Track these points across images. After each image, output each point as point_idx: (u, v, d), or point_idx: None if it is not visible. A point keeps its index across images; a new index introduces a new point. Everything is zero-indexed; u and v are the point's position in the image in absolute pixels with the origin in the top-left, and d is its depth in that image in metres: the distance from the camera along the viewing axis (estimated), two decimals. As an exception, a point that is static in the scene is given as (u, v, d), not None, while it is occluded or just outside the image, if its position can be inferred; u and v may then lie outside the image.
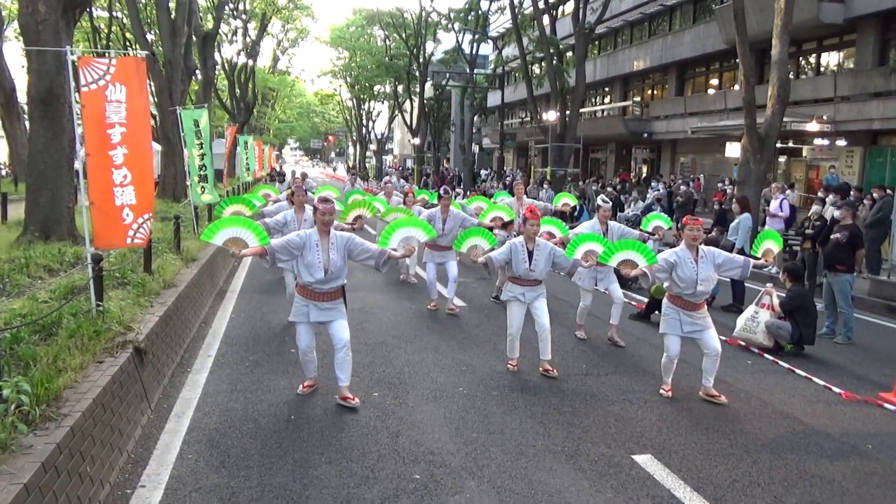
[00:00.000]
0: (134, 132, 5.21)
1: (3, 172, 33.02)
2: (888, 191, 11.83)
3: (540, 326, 6.23)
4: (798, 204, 14.55)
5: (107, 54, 5.24)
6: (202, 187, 10.86)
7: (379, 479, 4.13)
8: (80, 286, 6.47)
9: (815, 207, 9.78)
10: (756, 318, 7.52)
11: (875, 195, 11.78)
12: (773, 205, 12.48)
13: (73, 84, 5.57)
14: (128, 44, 31.84)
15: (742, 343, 7.66)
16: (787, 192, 13.68)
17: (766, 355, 7.29)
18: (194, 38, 22.07)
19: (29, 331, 4.74)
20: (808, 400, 5.96)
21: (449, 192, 9.07)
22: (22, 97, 26.50)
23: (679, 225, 6.46)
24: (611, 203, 7.37)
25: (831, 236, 8.18)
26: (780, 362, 7.05)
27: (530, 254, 6.17)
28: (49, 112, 9.36)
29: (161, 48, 19.58)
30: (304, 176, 18.43)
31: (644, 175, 31.23)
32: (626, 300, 7.34)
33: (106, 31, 29.50)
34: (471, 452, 4.57)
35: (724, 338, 7.74)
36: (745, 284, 9.63)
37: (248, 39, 37.25)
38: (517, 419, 5.19)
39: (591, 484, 4.19)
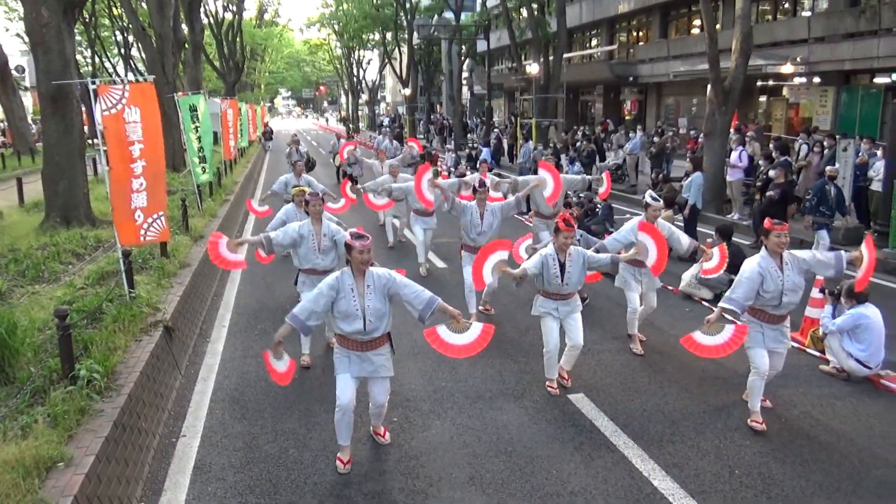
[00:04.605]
0: (149, 146, 6.21)
1: (1, 141, 33.90)
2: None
3: (572, 343, 5.82)
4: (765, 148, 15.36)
5: (121, 81, 6.14)
6: (202, 168, 11.84)
7: (366, 422, 5.30)
8: (108, 272, 7.60)
9: (762, 162, 10.71)
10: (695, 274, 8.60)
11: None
12: (733, 156, 13.42)
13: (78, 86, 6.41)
14: (113, 18, 31.98)
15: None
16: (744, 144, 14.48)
17: (704, 303, 8.42)
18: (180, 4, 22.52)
19: (79, 317, 5.86)
20: (727, 341, 7.10)
21: (486, 186, 7.84)
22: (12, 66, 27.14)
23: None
24: (661, 202, 6.57)
25: (766, 193, 9.21)
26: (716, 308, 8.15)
27: (562, 266, 5.62)
28: (59, 108, 10.28)
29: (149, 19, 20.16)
30: (297, 143, 18.15)
31: (633, 115, 31.89)
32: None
33: (90, 5, 29.70)
34: (438, 398, 5.75)
35: (670, 287, 8.91)
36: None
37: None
38: (479, 370, 6.36)
39: (531, 419, 5.39)
